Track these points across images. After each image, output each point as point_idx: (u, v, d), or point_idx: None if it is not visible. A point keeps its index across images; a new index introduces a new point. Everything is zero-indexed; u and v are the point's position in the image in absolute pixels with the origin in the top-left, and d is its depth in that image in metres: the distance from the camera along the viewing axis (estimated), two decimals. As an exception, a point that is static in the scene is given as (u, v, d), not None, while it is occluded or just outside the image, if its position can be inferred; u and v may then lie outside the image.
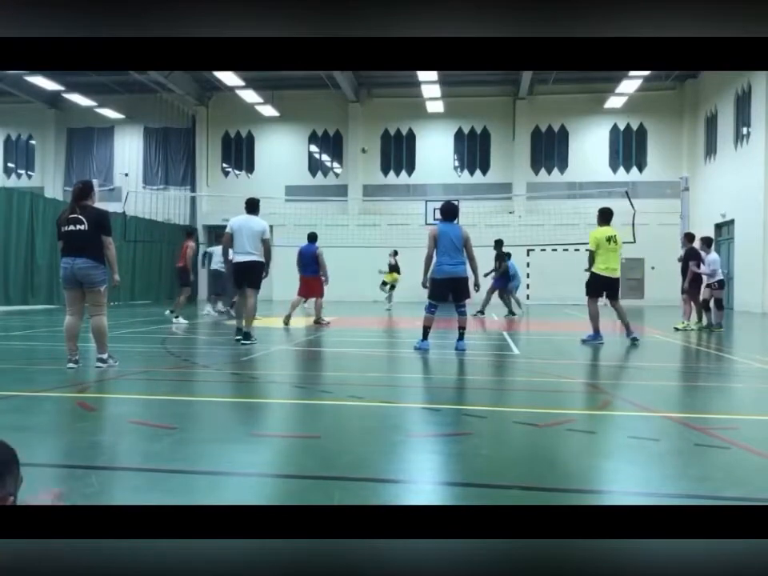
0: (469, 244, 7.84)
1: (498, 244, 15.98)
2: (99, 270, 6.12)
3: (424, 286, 7.99)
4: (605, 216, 8.95)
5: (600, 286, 8.84)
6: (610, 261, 8.74)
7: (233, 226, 8.28)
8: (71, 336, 6.17)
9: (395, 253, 18.28)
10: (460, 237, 7.74)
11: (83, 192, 6.15)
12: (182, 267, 13.14)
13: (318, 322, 11.95)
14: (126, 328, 10.76)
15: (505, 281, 15.87)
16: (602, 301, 8.87)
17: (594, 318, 8.85)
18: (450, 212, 7.96)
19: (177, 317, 12.08)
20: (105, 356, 6.19)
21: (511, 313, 15.68)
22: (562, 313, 17.21)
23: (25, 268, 16.73)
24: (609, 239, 8.72)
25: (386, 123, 26.17)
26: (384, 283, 18.26)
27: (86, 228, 6.00)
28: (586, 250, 9.06)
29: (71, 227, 6.03)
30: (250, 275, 8.27)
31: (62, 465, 3.16)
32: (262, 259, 8.30)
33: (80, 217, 6.03)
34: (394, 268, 18.08)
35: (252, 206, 8.46)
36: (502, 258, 15.85)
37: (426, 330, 7.79)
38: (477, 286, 8.03)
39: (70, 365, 6.04)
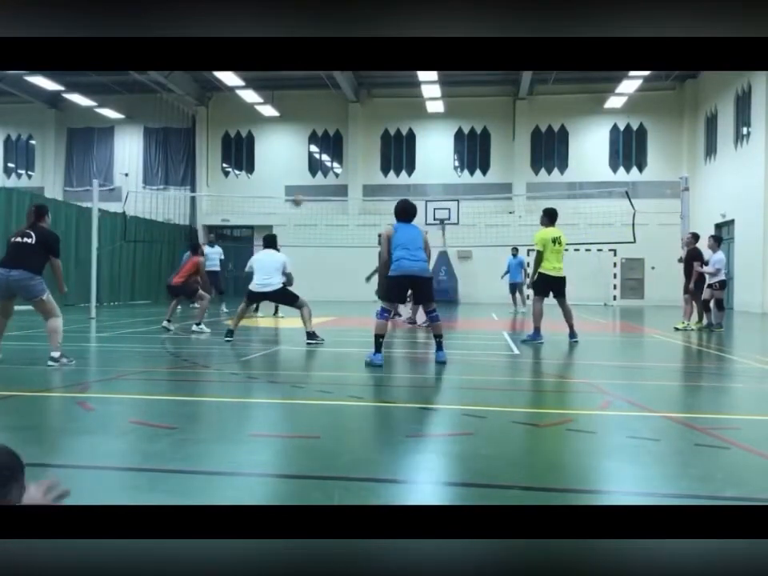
0: (428, 247, 6.94)
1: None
2: (35, 281, 6.30)
3: (378, 295, 7.43)
4: (550, 217, 9.15)
5: (547, 286, 9.02)
6: (556, 261, 8.96)
7: (252, 264, 9.03)
8: None
9: None
10: (420, 234, 6.80)
11: (38, 214, 6.55)
12: (179, 284, 10.86)
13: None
14: (126, 328, 10.76)
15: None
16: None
17: (537, 317, 9.01)
18: (405, 212, 6.85)
19: (199, 324, 10.55)
20: (57, 354, 6.31)
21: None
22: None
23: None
24: (554, 240, 8.92)
25: (386, 123, 26.17)
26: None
27: (33, 242, 6.32)
28: (533, 250, 9.27)
29: (19, 239, 6.37)
30: (280, 299, 9.21)
31: (62, 465, 3.16)
32: (282, 284, 8.86)
33: (30, 232, 6.39)
34: None
35: (270, 242, 9.20)
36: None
37: (379, 340, 6.52)
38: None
39: None
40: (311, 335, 8.70)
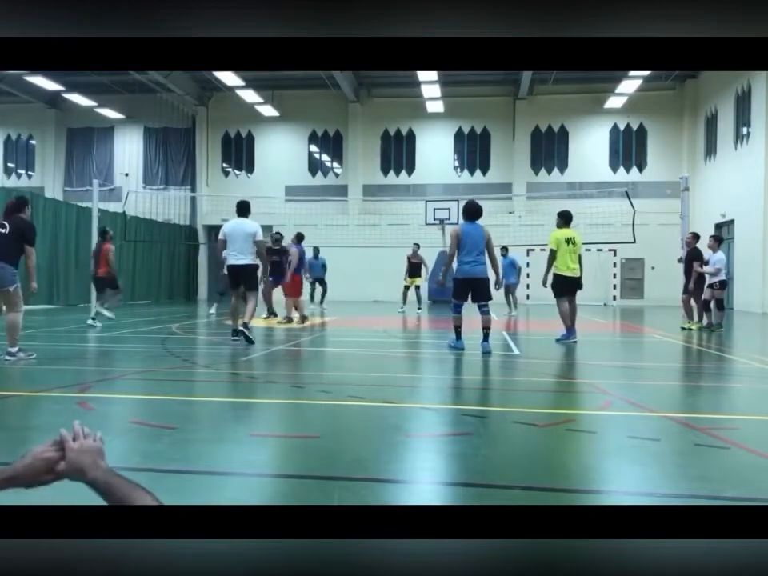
0: (490, 244, 7.95)
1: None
2: (8, 271, 6.44)
3: (440, 284, 8.49)
4: (565, 219, 9.32)
5: (565, 286, 9.12)
6: (570, 261, 9.07)
7: (225, 231, 8.50)
8: None
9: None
10: (482, 237, 7.80)
11: (16, 206, 6.64)
12: (106, 276, 11.53)
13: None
14: (127, 328, 10.76)
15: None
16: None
17: (565, 316, 9.09)
18: (473, 212, 8.00)
19: (97, 314, 11.08)
20: (14, 350, 6.49)
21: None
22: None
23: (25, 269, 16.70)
24: (568, 240, 9.04)
25: (386, 123, 26.17)
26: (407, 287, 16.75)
27: (6, 232, 6.41)
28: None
29: None
30: (245, 278, 8.50)
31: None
32: (255, 262, 8.46)
33: (5, 222, 6.48)
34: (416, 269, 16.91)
35: (242, 209, 8.60)
36: None
37: (458, 330, 7.89)
38: (498, 284, 8.23)
39: None
40: (239, 332, 8.22)
